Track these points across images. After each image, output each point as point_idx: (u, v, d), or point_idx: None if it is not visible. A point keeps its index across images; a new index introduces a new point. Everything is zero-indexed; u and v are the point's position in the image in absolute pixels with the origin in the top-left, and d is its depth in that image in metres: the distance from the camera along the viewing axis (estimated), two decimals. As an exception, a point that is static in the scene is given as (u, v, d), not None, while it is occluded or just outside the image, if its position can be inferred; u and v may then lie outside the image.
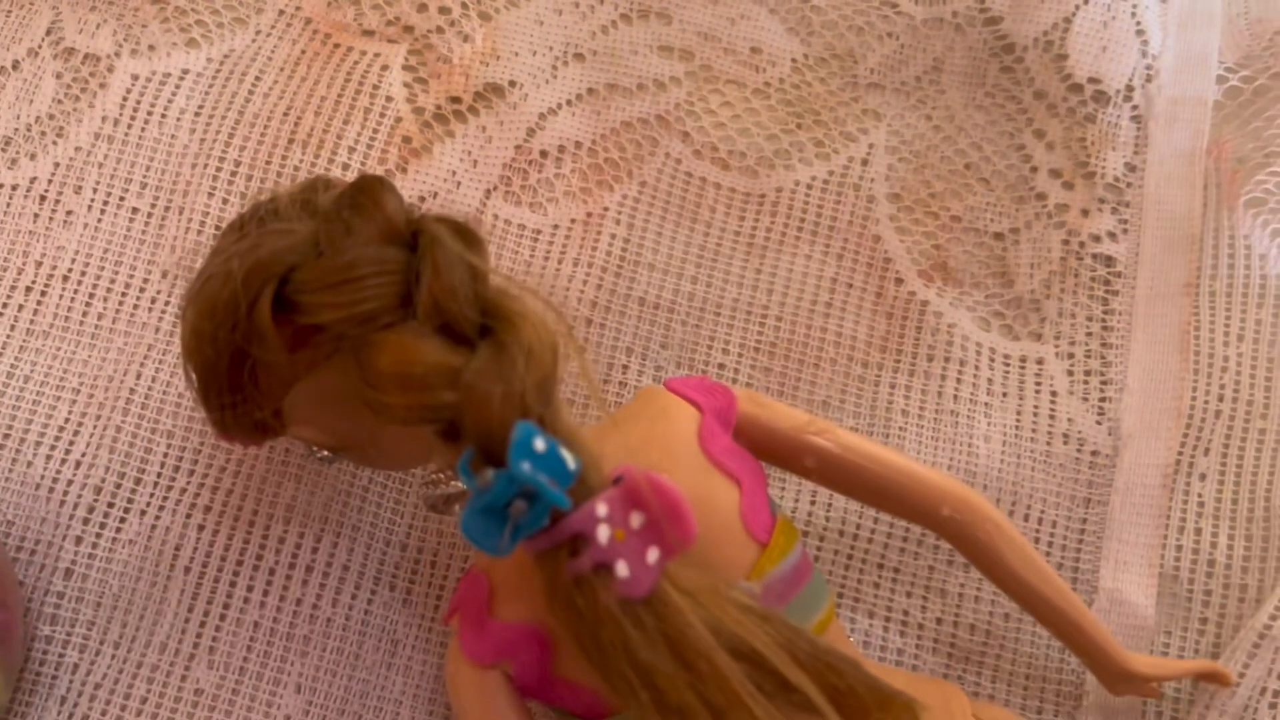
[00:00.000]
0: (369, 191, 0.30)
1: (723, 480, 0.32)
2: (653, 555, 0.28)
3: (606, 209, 0.42)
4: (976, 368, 0.41)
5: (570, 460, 0.28)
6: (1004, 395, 0.41)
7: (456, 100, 0.43)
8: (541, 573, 0.28)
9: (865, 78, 0.44)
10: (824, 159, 0.43)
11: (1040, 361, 0.41)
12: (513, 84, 0.44)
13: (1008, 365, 0.41)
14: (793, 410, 0.34)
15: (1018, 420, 0.40)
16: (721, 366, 0.41)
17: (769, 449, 0.34)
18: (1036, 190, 0.43)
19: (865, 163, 0.43)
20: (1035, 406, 0.41)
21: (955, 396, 0.41)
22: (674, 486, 0.28)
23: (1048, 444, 0.40)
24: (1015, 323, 0.42)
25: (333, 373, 0.31)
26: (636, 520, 0.28)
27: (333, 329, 0.29)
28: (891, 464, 0.34)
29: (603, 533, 0.28)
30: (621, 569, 0.27)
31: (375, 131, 0.42)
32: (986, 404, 0.41)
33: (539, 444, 0.28)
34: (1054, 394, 0.41)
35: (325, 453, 0.34)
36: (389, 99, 0.43)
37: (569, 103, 0.44)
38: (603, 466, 0.30)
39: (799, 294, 0.42)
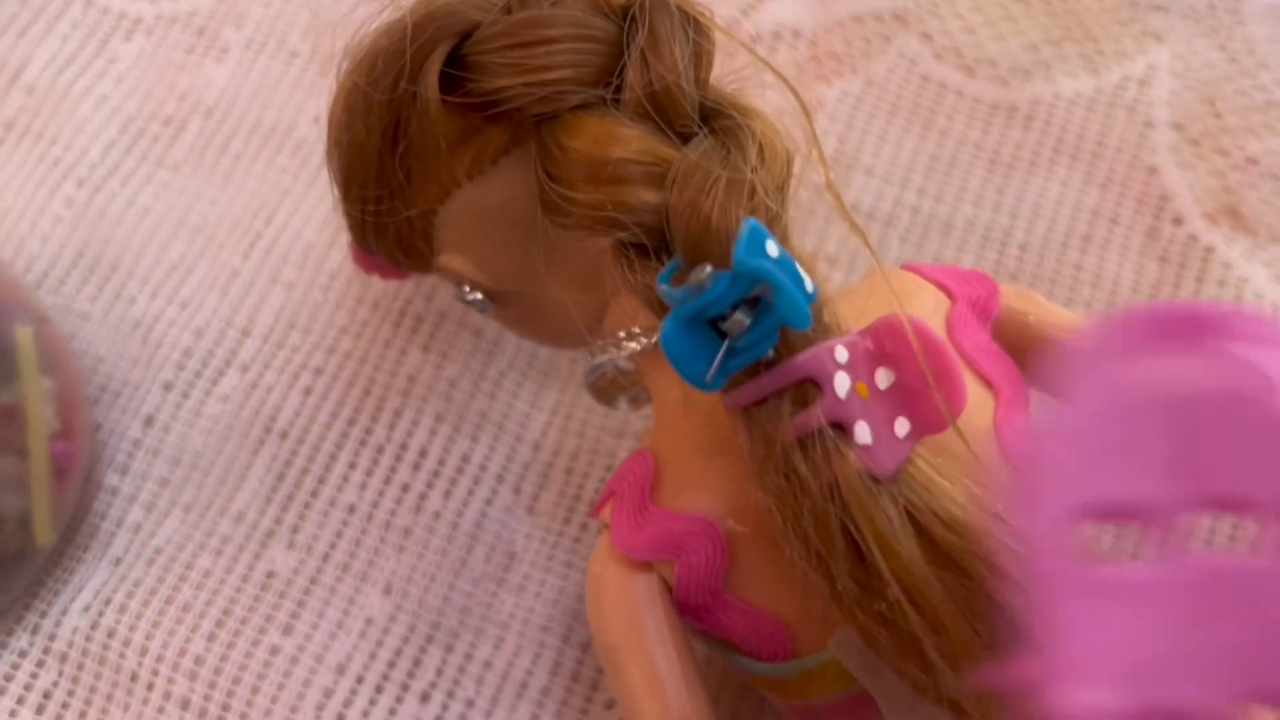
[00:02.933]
0: None
1: (974, 383, 0.24)
2: (902, 427, 0.21)
3: (821, 103, 0.36)
4: (1273, 333, 0.32)
5: (808, 280, 0.21)
6: (1308, 370, 0.32)
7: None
8: (750, 432, 0.22)
9: (1147, -2, 0.37)
10: (1092, 73, 0.36)
11: (1356, 338, 0.32)
12: (731, -39, 0.38)
13: (1313, 336, 0.32)
14: (1070, 313, 0.26)
15: (1326, 401, 0.31)
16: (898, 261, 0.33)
17: (1036, 359, 0.26)
18: (1356, 143, 0.35)
19: (1144, 83, 0.36)
20: (1349, 388, 0.32)
21: (1242, 364, 0.32)
22: (945, 340, 0.21)
23: (1365, 435, 0.31)
24: (1324, 290, 0.33)
25: (499, 182, 0.25)
26: (884, 379, 0.21)
27: (511, 101, 0.24)
28: None
29: (841, 382, 0.21)
30: (862, 432, 0.21)
31: None
32: (1284, 377, 0.32)
33: (772, 249, 0.21)
34: (1374, 378, 0.32)
35: (478, 295, 0.27)
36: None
37: (792, -11, 0.38)
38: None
39: (1050, 222, 0.34)
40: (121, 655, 0.29)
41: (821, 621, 0.23)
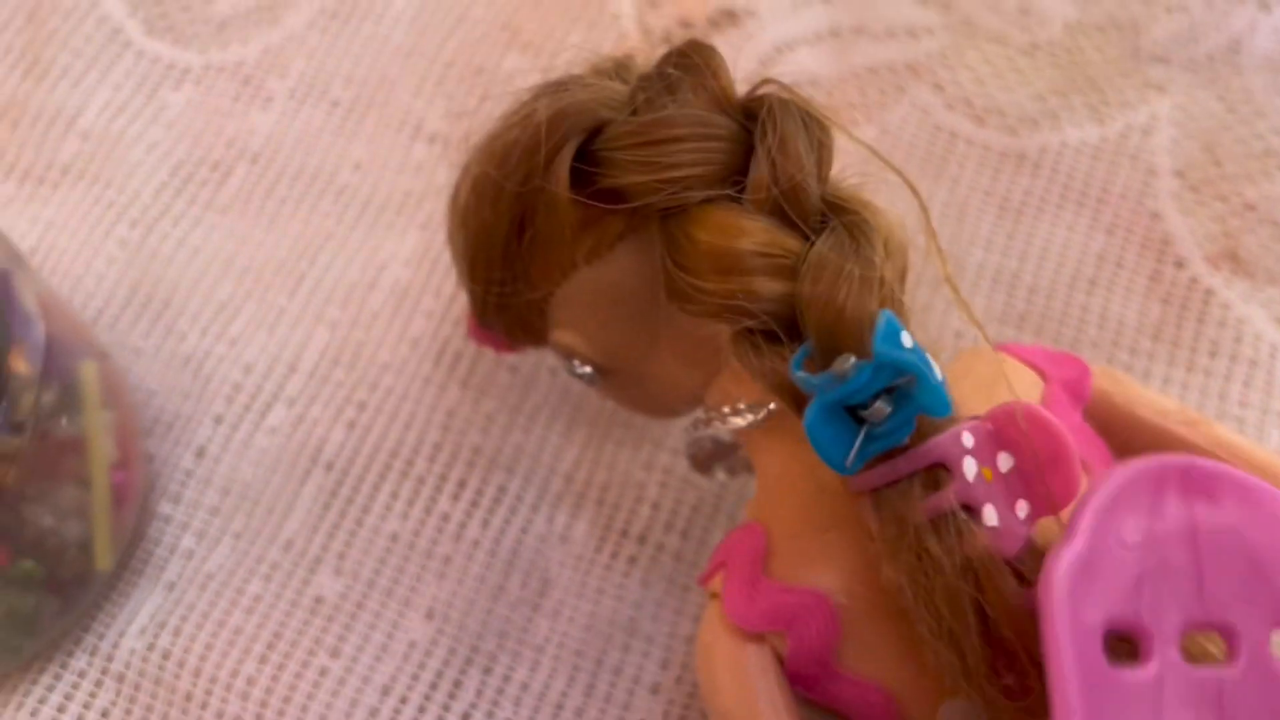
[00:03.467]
0: (700, 53, 0.26)
1: None
2: (1022, 509, 0.22)
3: (837, 151, 0.38)
4: (1270, 371, 0.34)
5: (937, 368, 0.23)
6: (1304, 407, 0.33)
7: (689, 25, 0.40)
8: (880, 512, 0.23)
9: (1148, 50, 0.39)
10: (1098, 123, 0.38)
11: (1351, 377, 0.34)
12: (750, 14, 0.40)
13: (1309, 375, 0.34)
14: (1156, 394, 0.28)
15: (1321, 437, 0.33)
16: (959, 335, 0.35)
17: (1124, 438, 0.27)
18: (1350, 190, 0.36)
19: (1147, 132, 0.37)
20: (1344, 425, 0.33)
21: (1241, 401, 0.34)
22: (1062, 427, 0.22)
23: (1360, 470, 0.32)
24: (1319, 330, 0.35)
25: (614, 265, 0.26)
26: (1005, 463, 0.22)
27: (639, 196, 0.25)
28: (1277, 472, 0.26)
29: (969, 466, 0.22)
30: (990, 514, 0.22)
31: (598, 48, 0.39)
32: (1281, 414, 0.33)
33: (906, 339, 0.22)
34: (1368, 415, 0.33)
35: (587, 369, 0.28)
36: (616, 16, 0.40)
37: (809, 41, 0.40)
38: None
39: (1058, 265, 0.36)
40: (176, 676, 0.30)
41: (929, 692, 0.24)
